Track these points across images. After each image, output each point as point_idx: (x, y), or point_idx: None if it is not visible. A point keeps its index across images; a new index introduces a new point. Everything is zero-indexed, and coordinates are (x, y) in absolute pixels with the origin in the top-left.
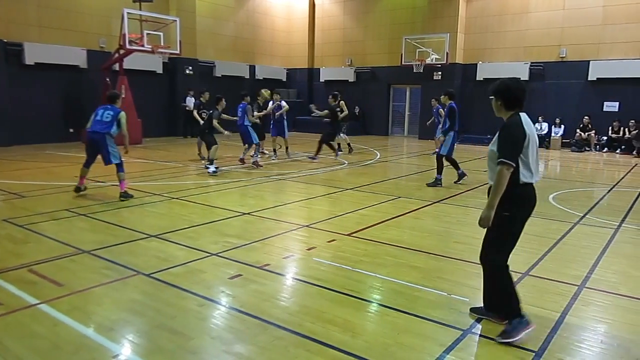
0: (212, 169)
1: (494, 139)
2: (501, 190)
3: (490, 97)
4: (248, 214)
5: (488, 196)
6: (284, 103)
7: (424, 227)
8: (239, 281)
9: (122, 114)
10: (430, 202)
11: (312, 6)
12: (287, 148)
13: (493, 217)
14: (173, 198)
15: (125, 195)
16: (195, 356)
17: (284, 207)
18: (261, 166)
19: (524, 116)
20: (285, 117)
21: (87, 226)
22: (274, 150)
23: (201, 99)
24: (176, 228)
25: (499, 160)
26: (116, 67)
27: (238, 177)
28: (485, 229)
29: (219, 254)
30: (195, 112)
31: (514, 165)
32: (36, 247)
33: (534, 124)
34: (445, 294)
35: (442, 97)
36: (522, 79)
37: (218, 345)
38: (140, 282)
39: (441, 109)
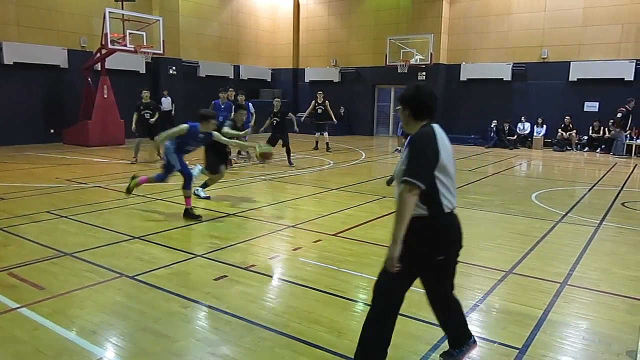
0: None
1: (403, 157)
2: (406, 219)
3: (397, 108)
4: (233, 214)
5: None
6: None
7: None
8: (224, 282)
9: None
10: None
11: (297, 6)
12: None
13: (424, 261)
14: (157, 199)
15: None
16: (180, 358)
17: (270, 207)
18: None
19: (437, 128)
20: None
21: (69, 228)
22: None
23: (238, 97)
24: (160, 229)
25: (402, 178)
26: (98, 67)
27: (222, 178)
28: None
29: (203, 255)
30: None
31: (421, 186)
32: (16, 250)
33: (517, 123)
34: None
35: None
36: (504, 79)
37: (203, 347)
38: (124, 284)
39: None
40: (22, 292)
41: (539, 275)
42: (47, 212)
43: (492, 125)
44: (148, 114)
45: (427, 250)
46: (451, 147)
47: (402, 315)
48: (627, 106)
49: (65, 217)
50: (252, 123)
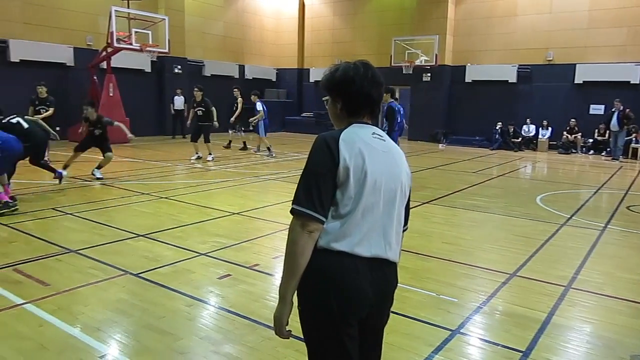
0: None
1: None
2: (296, 265)
3: (325, 99)
4: (237, 213)
5: None
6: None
7: (412, 228)
8: (228, 281)
9: None
10: (419, 203)
11: (302, 7)
12: (258, 146)
13: (304, 317)
14: (161, 197)
15: None
16: (183, 356)
17: (274, 207)
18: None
19: (361, 131)
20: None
21: (74, 225)
22: (267, 148)
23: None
24: (164, 228)
25: (291, 208)
26: (104, 65)
27: (227, 177)
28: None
29: (207, 254)
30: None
31: (313, 215)
32: (22, 246)
33: (522, 125)
34: (434, 294)
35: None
36: (510, 81)
37: (207, 346)
38: (128, 282)
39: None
40: (27, 288)
41: (543, 278)
42: (52, 209)
43: (497, 127)
44: (44, 110)
45: (307, 297)
46: (379, 161)
47: (404, 316)
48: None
49: (70, 214)
50: (254, 121)
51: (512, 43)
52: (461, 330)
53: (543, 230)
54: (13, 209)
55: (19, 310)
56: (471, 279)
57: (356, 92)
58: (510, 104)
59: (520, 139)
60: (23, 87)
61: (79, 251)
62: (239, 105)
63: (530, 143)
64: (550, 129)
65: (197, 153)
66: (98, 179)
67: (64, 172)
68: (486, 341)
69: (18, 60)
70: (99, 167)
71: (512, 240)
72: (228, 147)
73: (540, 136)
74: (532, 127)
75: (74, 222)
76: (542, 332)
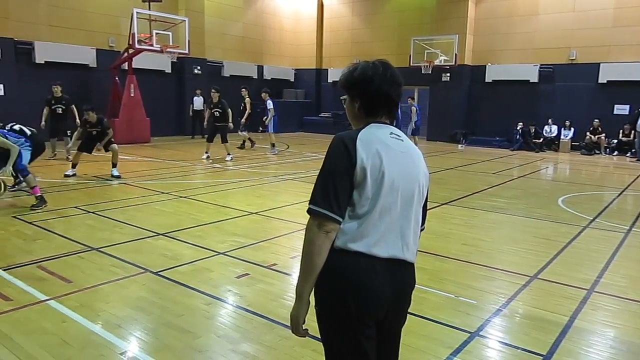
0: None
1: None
2: (312, 264)
3: (342, 98)
4: (255, 213)
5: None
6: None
7: (430, 229)
8: (246, 280)
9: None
10: (437, 204)
11: (321, 7)
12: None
13: (321, 319)
14: (181, 197)
15: None
16: (202, 354)
17: (292, 206)
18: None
19: (379, 131)
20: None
21: (96, 223)
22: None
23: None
24: (184, 227)
25: (308, 207)
26: (125, 66)
27: (245, 177)
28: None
29: (226, 253)
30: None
31: (330, 215)
32: (45, 244)
33: (543, 126)
34: (452, 296)
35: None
36: (531, 80)
37: (225, 344)
38: (148, 280)
39: (414, 108)
40: (50, 285)
41: (565, 281)
42: (75, 207)
43: (518, 128)
44: (60, 109)
45: (324, 297)
46: (396, 163)
47: (422, 317)
48: None
49: (92, 212)
50: (267, 120)
51: (533, 42)
52: (480, 333)
53: (565, 233)
54: (45, 205)
55: (43, 306)
56: (490, 281)
57: (374, 91)
58: (532, 104)
59: (541, 139)
60: (48, 87)
61: (101, 249)
62: (248, 106)
63: (552, 144)
64: (572, 129)
65: (206, 152)
66: (116, 177)
67: (70, 172)
68: (506, 344)
69: (43, 62)
70: (114, 166)
71: (533, 242)
72: (242, 147)
73: (562, 137)
74: (554, 128)
75: (96, 220)
76: (564, 336)
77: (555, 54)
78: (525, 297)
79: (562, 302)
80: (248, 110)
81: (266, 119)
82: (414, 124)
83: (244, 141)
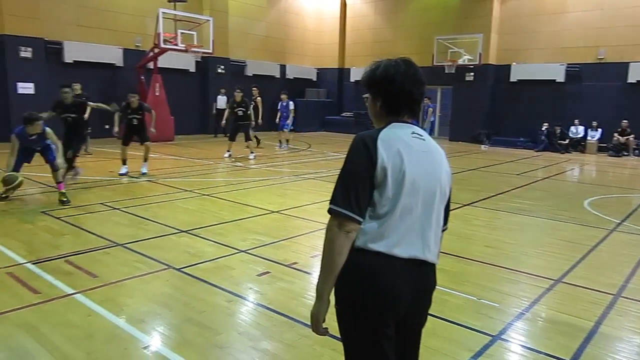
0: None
1: None
2: (333, 264)
3: (365, 96)
4: (276, 212)
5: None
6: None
7: (452, 230)
8: (267, 278)
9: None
10: (460, 205)
11: (344, 6)
12: (287, 140)
13: (341, 318)
14: (203, 195)
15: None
16: (223, 351)
17: (313, 206)
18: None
19: (400, 131)
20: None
21: (121, 220)
22: (280, 142)
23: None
24: (206, 224)
25: (329, 207)
26: (151, 65)
27: (267, 176)
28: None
29: (247, 251)
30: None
31: (350, 215)
32: (73, 239)
33: (569, 126)
34: (474, 298)
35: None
36: (557, 80)
37: (245, 341)
38: (171, 276)
39: (430, 108)
40: (77, 279)
41: (590, 285)
42: (101, 203)
43: (543, 128)
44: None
45: (344, 296)
46: (416, 162)
47: (444, 320)
48: None
49: (117, 209)
50: (289, 121)
51: (560, 41)
52: (502, 336)
53: (591, 236)
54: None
55: (70, 300)
56: (513, 283)
57: (397, 90)
58: (558, 104)
59: (567, 140)
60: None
61: (125, 245)
62: (259, 105)
63: (578, 145)
64: (600, 130)
65: (228, 151)
66: (143, 174)
67: (124, 170)
68: (528, 348)
69: (72, 61)
70: (145, 160)
71: (558, 245)
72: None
73: (589, 138)
74: (581, 129)
75: (121, 216)
76: (589, 342)
77: (582, 53)
78: (549, 301)
79: (587, 306)
80: (260, 109)
81: (290, 120)
82: (430, 124)
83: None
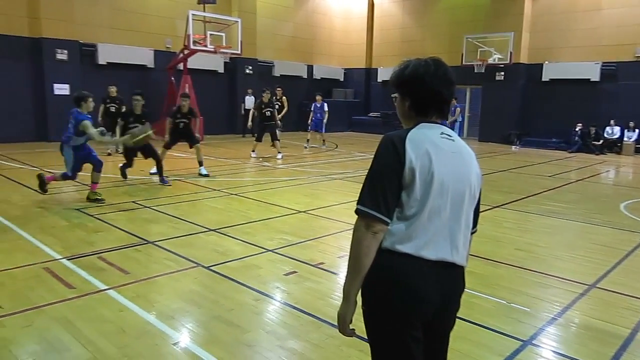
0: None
1: None
2: (360, 265)
3: (393, 96)
4: (304, 212)
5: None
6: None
7: (482, 232)
8: (294, 278)
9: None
10: (489, 207)
11: (371, 6)
12: (323, 140)
13: (366, 319)
14: (231, 194)
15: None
16: (250, 349)
17: (340, 206)
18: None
19: (429, 131)
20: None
21: (152, 218)
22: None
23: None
24: (234, 223)
25: (356, 208)
26: (180, 66)
27: (294, 175)
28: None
29: (274, 251)
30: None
31: (378, 216)
32: (106, 236)
33: (605, 127)
34: (504, 302)
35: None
36: (592, 79)
37: (272, 340)
38: (200, 274)
39: (458, 108)
40: (109, 275)
41: (627, 291)
42: (133, 202)
43: (577, 129)
44: (114, 108)
45: (371, 297)
46: (448, 163)
47: (473, 323)
48: None
49: (148, 207)
50: (325, 121)
51: (595, 39)
52: (533, 342)
53: (627, 240)
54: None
55: (103, 295)
56: (545, 288)
57: (425, 90)
58: (592, 104)
59: (602, 141)
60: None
61: (156, 243)
62: (285, 104)
63: (614, 146)
64: (637, 131)
65: (253, 151)
66: (204, 175)
67: (154, 169)
68: (561, 354)
69: (105, 63)
70: (201, 164)
71: (592, 250)
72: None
73: (625, 139)
74: (617, 129)
75: (152, 215)
76: (625, 350)
77: (619, 51)
78: (582, 307)
79: (623, 313)
80: (286, 109)
81: (322, 119)
82: (458, 125)
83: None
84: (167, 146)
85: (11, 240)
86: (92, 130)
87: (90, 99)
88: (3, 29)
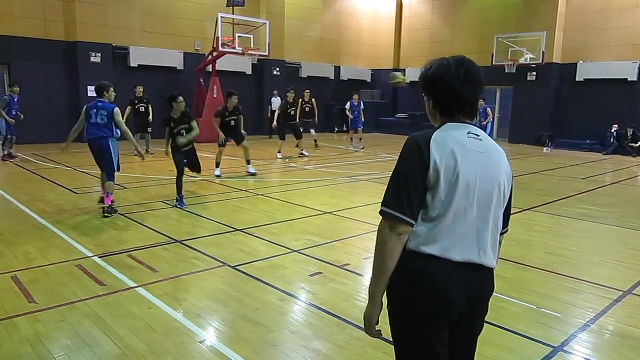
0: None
1: None
2: (384, 266)
3: (424, 96)
4: (329, 213)
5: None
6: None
7: (511, 235)
8: (319, 279)
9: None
10: (519, 209)
11: (400, 6)
12: (359, 139)
13: (392, 319)
14: (258, 194)
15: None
16: (275, 348)
17: (365, 207)
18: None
19: (455, 131)
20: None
21: (180, 217)
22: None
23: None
24: (260, 223)
25: (380, 209)
26: (209, 68)
27: (320, 177)
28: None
29: (299, 251)
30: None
31: (402, 218)
32: (135, 234)
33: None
34: (534, 307)
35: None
36: (629, 79)
37: (297, 340)
38: (226, 273)
39: (489, 109)
40: (139, 273)
41: None
42: (161, 201)
43: (612, 130)
44: (143, 108)
45: (396, 298)
46: (473, 164)
47: (500, 327)
48: None
49: (176, 207)
50: (363, 120)
51: (633, 37)
52: (564, 348)
53: None
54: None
55: (132, 293)
56: (577, 293)
57: (445, 91)
58: (629, 105)
59: (639, 143)
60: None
61: (184, 242)
62: (315, 106)
63: None
64: None
65: (279, 152)
66: (252, 174)
67: (218, 171)
68: None
69: (136, 65)
70: (248, 163)
71: (627, 255)
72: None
73: None
74: None
75: (180, 214)
76: None
77: None
78: (617, 313)
79: None
80: (316, 109)
81: (360, 117)
82: (488, 125)
83: (315, 140)
84: (222, 144)
85: (46, 238)
86: (123, 121)
87: (112, 89)
88: (40, 33)
